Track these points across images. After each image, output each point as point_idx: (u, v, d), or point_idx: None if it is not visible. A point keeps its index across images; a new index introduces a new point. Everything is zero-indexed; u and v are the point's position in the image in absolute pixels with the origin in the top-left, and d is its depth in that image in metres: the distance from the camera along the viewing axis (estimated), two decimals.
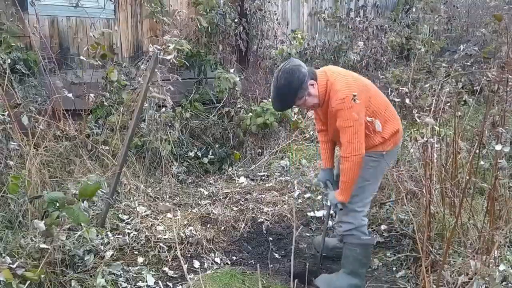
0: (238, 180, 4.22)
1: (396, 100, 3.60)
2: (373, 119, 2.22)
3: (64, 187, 3.09)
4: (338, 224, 2.66)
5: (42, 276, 2.23)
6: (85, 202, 3.10)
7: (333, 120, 2.43)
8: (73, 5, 4.27)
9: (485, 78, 2.94)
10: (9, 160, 2.88)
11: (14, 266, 2.06)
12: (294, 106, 2.54)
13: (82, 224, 2.55)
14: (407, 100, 3.63)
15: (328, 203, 2.69)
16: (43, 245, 2.28)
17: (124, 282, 2.60)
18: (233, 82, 4.64)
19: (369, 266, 2.80)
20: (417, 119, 2.50)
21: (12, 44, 3.70)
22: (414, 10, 6.85)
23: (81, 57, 3.70)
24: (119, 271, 2.66)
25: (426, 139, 2.44)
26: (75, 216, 2.18)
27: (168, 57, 3.29)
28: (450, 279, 2.21)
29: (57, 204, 2.18)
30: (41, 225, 2.17)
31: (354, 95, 2.16)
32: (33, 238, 2.52)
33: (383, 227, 3.26)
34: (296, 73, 2.35)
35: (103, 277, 2.52)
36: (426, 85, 4.16)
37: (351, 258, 2.58)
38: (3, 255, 2.35)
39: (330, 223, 3.50)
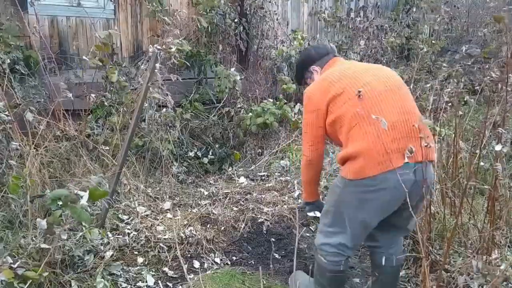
0: (238, 180, 4.22)
1: None
2: (378, 116, 1.88)
3: (67, 188, 3.09)
4: None
5: (45, 274, 2.23)
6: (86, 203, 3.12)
7: None
8: (74, 4, 4.27)
9: (486, 78, 2.94)
10: (11, 160, 2.88)
11: (15, 266, 2.06)
12: (304, 84, 2.49)
13: (83, 224, 2.55)
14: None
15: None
16: (43, 245, 2.28)
17: (124, 282, 2.60)
18: (234, 81, 4.63)
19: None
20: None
21: (12, 43, 3.69)
22: (414, 10, 6.84)
23: (84, 57, 3.69)
24: (119, 271, 2.66)
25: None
26: (78, 215, 2.18)
27: (169, 61, 3.31)
28: (450, 279, 2.21)
29: (60, 203, 2.18)
30: (43, 223, 2.17)
31: (359, 91, 1.96)
32: (33, 238, 2.52)
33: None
34: (306, 55, 2.46)
35: (103, 277, 2.52)
36: (427, 85, 4.16)
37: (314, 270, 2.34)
38: (4, 255, 2.35)
39: None
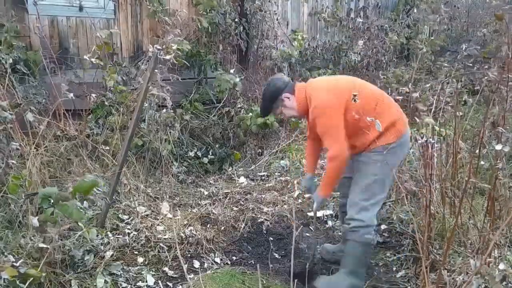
0: (238, 180, 4.22)
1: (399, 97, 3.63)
2: (373, 118, 2.23)
3: (64, 187, 3.09)
4: (348, 221, 2.58)
5: (43, 274, 2.23)
6: (85, 202, 3.12)
7: (315, 128, 2.59)
8: (77, 8, 4.27)
9: (485, 78, 2.94)
10: (11, 160, 2.88)
11: (17, 264, 2.07)
12: (273, 113, 2.85)
13: (79, 224, 2.55)
14: (414, 94, 3.57)
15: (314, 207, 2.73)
16: (42, 245, 2.28)
17: (124, 282, 2.60)
18: (233, 83, 4.64)
19: (368, 267, 2.77)
20: (416, 118, 2.49)
21: (14, 43, 3.69)
22: (415, 10, 6.84)
23: (85, 57, 3.69)
24: (119, 271, 2.66)
25: (426, 139, 2.43)
26: (69, 213, 2.17)
27: (168, 57, 3.31)
28: (450, 279, 2.21)
29: (51, 201, 2.17)
30: (35, 221, 2.17)
31: (355, 95, 2.22)
32: (32, 238, 2.52)
33: (383, 226, 3.26)
34: (272, 86, 2.66)
35: (103, 277, 2.52)
36: (427, 85, 4.16)
37: (352, 256, 2.58)
38: (5, 254, 2.35)
39: (330, 223, 3.51)
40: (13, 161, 2.80)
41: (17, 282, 2.00)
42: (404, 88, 4.04)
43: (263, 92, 2.72)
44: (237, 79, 4.69)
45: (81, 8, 4.29)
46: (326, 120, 2.47)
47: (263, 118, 4.57)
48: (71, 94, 3.28)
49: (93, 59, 3.57)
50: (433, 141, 2.51)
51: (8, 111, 2.86)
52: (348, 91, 2.42)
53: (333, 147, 2.46)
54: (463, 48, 3.85)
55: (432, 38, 6.25)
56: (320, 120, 2.49)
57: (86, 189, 2.27)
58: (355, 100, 2.22)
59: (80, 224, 2.52)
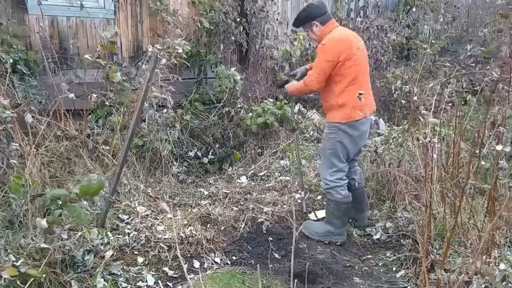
0: (238, 180, 4.22)
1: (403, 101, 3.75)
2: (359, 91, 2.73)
3: (65, 187, 3.09)
4: (322, 183, 3.31)
5: (43, 276, 2.23)
6: (86, 202, 3.12)
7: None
8: (78, 7, 4.26)
9: (486, 78, 2.94)
10: (12, 160, 2.88)
11: (18, 264, 2.07)
12: (302, 28, 3.24)
13: (79, 223, 2.55)
14: (415, 98, 3.59)
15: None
16: (43, 245, 2.28)
17: (124, 282, 2.60)
18: (234, 81, 4.63)
19: (344, 222, 3.24)
20: (420, 118, 2.48)
21: (13, 45, 3.69)
22: (414, 10, 6.83)
23: (87, 56, 3.68)
24: (119, 271, 2.66)
25: (428, 140, 2.42)
26: (77, 215, 2.17)
27: (163, 61, 3.34)
28: (449, 279, 2.21)
29: (59, 202, 2.17)
30: (43, 223, 2.16)
31: (360, 93, 2.70)
32: (33, 238, 2.52)
33: (388, 224, 3.26)
34: (311, 8, 3.09)
35: (103, 277, 2.52)
36: (427, 85, 4.16)
37: (327, 211, 3.26)
38: (6, 253, 2.35)
39: None
40: (14, 161, 2.80)
41: (18, 282, 2.00)
42: (406, 87, 4.05)
43: (304, 9, 3.14)
44: (238, 76, 4.69)
45: (82, 8, 4.28)
46: (322, 59, 2.98)
47: (263, 118, 4.56)
48: (72, 94, 3.28)
49: (97, 59, 3.56)
50: (435, 141, 2.50)
51: (9, 111, 2.86)
52: (350, 55, 2.95)
53: (311, 77, 3.05)
54: (467, 49, 3.86)
55: (432, 38, 6.25)
56: (319, 56, 3.01)
57: (93, 191, 2.25)
58: (360, 99, 2.68)
59: (81, 224, 2.52)
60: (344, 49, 2.94)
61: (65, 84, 3.31)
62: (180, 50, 3.55)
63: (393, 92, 4.83)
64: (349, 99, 2.99)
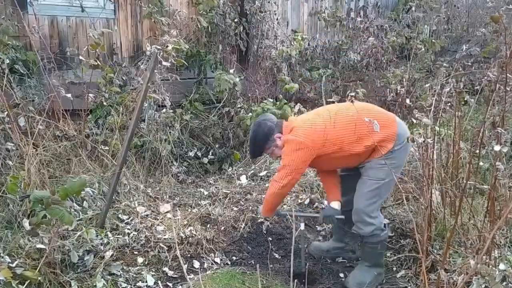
0: (238, 180, 4.22)
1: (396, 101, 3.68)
2: (370, 119, 2.27)
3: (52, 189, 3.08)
4: (357, 226, 2.66)
5: (39, 278, 2.22)
6: (84, 202, 3.11)
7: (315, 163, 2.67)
8: (78, 7, 4.26)
9: (485, 78, 2.94)
10: (8, 160, 2.87)
11: (13, 265, 2.06)
12: (264, 154, 2.84)
13: (79, 224, 2.54)
14: (407, 101, 3.64)
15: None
16: (39, 245, 2.27)
17: (124, 282, 2.60)
18: (233, 83, 4.64)
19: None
20: (414, 120, 2.49)
21: (9, 43, 3.68)
22: (414, 10, 6.83)
23: (80, 57, 3.69)
24: (119, 271, 2.66)
25: (423, 140, 2.42)
26: (60, 217, 2.15)
27: (164, 63, 3.32)
28: (449, 279, 2.21)
29: (43, 204, 2.16)
30: (26, 224, 2.15)
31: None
32: (30, 239, 2.52)
33: (386, 221, 3.25)
34: (266, 129, 2.65)
35: (102, 277, 2.52)
36: (427, 85, 4.16)
37: (372, 254, 2.72)
38: (2, 255, 2.35)
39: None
40: (11, 162, 2.79)
41: (14, 284, 1.99)
42: (402, 89, 4.06)
43: (254, 134, 2.68)
44: (237, 79, 4.69)
45: (82, 9, 4.28)
46: (294, 157, 2.54)
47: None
48: (69, 94, 3.28)
49: (87, 59, 3.57)
50: (430, 142, 2.51)
51: (6, 112, 2.86)
52: (323, 131, 2.53)
53: (281, 173, 2.58)
54: (463, 49, 3.86)
55: (432, 38, 6.25)
56: (287, 156, 2.56)
57: (76, 189, 2.25)
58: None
59: (80, 224, 2.52)
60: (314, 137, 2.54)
61: (63, 84, 3.31)
62: (170, 47, 3.52)
63: (388, 94, 4.82)
64: (372, 139, 2.52)
